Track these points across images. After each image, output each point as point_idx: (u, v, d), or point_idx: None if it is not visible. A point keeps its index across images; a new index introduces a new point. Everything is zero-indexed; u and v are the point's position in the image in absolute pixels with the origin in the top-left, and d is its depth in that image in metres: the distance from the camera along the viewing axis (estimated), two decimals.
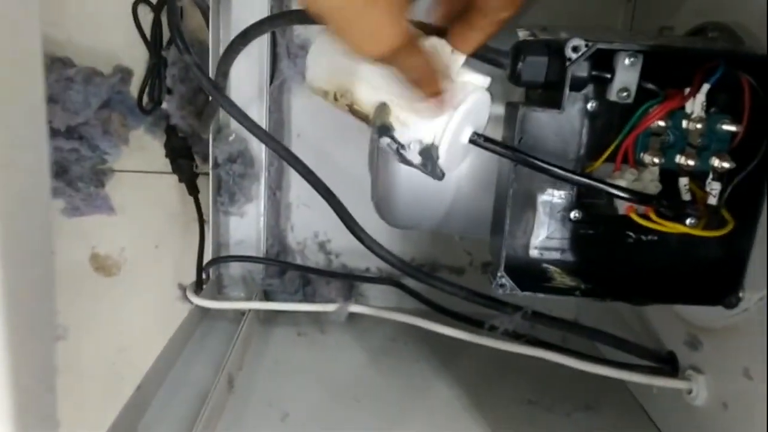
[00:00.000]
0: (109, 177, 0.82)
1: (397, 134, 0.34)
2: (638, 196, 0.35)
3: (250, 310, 0.60)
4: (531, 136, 0.39)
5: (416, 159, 0.34)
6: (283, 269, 0.66)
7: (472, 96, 0.33)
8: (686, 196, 0.37)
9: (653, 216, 0.36)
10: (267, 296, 0.66)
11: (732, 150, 0.38)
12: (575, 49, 0.34)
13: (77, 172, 0.82)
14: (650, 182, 0.37)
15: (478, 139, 0.35)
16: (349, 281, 0.67)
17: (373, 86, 0.34)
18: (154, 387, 0.50)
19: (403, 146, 0.34)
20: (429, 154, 0.33)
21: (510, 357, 0.53)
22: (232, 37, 0.61)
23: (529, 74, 0.36)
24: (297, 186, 0.71)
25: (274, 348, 0.60)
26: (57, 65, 0.78)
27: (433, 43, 0.33)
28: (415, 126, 0.33)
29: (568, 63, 0.34)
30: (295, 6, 0.64)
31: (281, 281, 0.65)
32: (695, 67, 0.37)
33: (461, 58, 0.33)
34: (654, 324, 0.54)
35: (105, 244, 0.84)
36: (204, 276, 0.66)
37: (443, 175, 0.35)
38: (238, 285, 0.68)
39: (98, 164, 0.82)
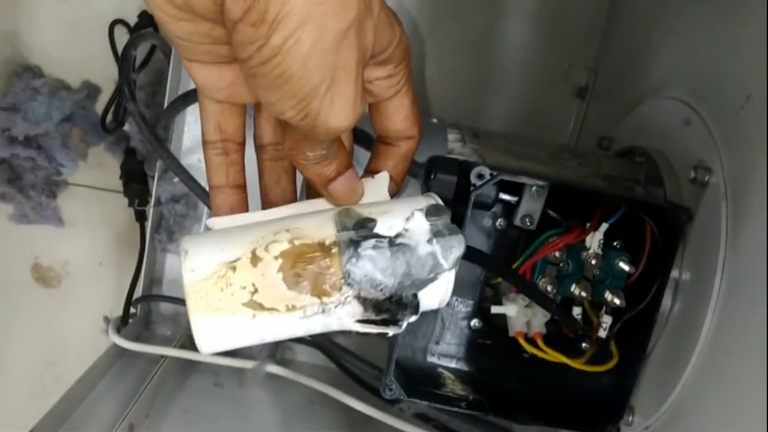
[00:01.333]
0: (62, 189, 0.82)
1: (381, 225, 0.28)
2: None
3: (165, 356, 0.60)
4: None
5: (423, 232, 0.28)
6: None
7: None
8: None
9: (540, 342, 0.37)
10: (191, 341, 0.66)
11: (627, 286, 0.39)
12: (480, 176, 0.35)
13: (30, 181, 0.81)
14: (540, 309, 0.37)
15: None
16: None
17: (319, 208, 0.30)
18: (52, 429, 0.50)
19: (399, 234, 0.28)
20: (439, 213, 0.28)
21: None
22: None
23: (440, 190, 0.37)
24: None
25: (187, 397, 0.60)
26: (27, 74, 0.79)
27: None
28: (399, 204, 0.29)
29: (472, 188, 0.35)
30: None
31: None
32: (599, 204, 0.38)
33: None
34: None
35: (49, 255, 0.84)
36: (133, 310, 0.66)
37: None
38: (167, 323, 0.68)
39: (53, 175, 0.82)
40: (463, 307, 0.41)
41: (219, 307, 0.27)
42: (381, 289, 0.27)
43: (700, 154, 0.41)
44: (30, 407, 0.86)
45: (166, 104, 0.61)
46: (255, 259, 0.27)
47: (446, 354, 0.41)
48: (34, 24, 0.78)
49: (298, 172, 0.33)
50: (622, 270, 0.38)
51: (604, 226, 0.37)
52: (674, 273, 0.40)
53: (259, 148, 0.33)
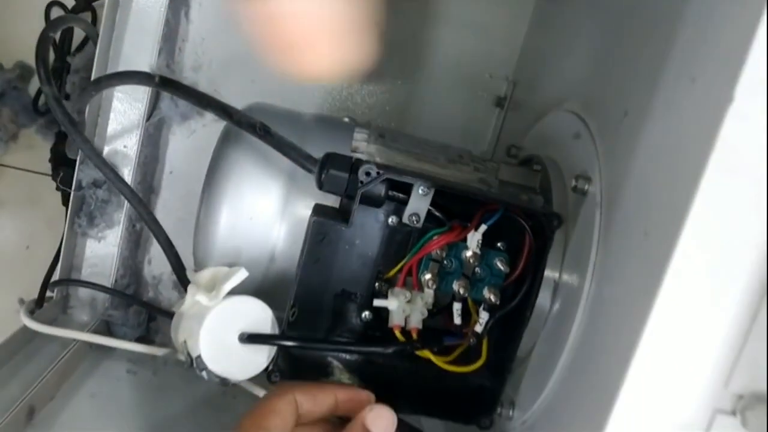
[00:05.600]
0: None
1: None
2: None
3: (77, 340, 0.60)
4: (335, 240, 0.41)
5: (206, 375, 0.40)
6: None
7: (219, 307, 0.39)
8: (457, 320, 0.40)
9: (414, 335, 0.39)
10: (107, 326, 0.66)
11: (509, 287, 0.41)
12: (367, 174, 0.37)
13: None
14: (423, 306, 0.39)
15: (247, 340, 0.40)
16: None
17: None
18: None
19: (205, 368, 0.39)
20: (200, 364, 0.39)
21: None
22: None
23: (331, 186, 0.39)
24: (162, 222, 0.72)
25: (97, 382, 0.60)
26: None
27: None
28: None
29: (359, 185, 0.37)
30: (186, 61, 0.67)
31: (125, 313, 0.65)
32: (480, 206, 0.40)
33: None
34: None
35: None
36: (50, 293, 0.66)
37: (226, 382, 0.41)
38: (85, 308, 0.67)
39: None
40: (357, 300, 0.43)
41: None
42: None
43: (584, 165, 0.43)
44: None
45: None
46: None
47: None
48: None
49: None
50: (500, 270, 0.40)
51: (483, 227, 0.39)
52: (554, 275, 0.42)
53: None
